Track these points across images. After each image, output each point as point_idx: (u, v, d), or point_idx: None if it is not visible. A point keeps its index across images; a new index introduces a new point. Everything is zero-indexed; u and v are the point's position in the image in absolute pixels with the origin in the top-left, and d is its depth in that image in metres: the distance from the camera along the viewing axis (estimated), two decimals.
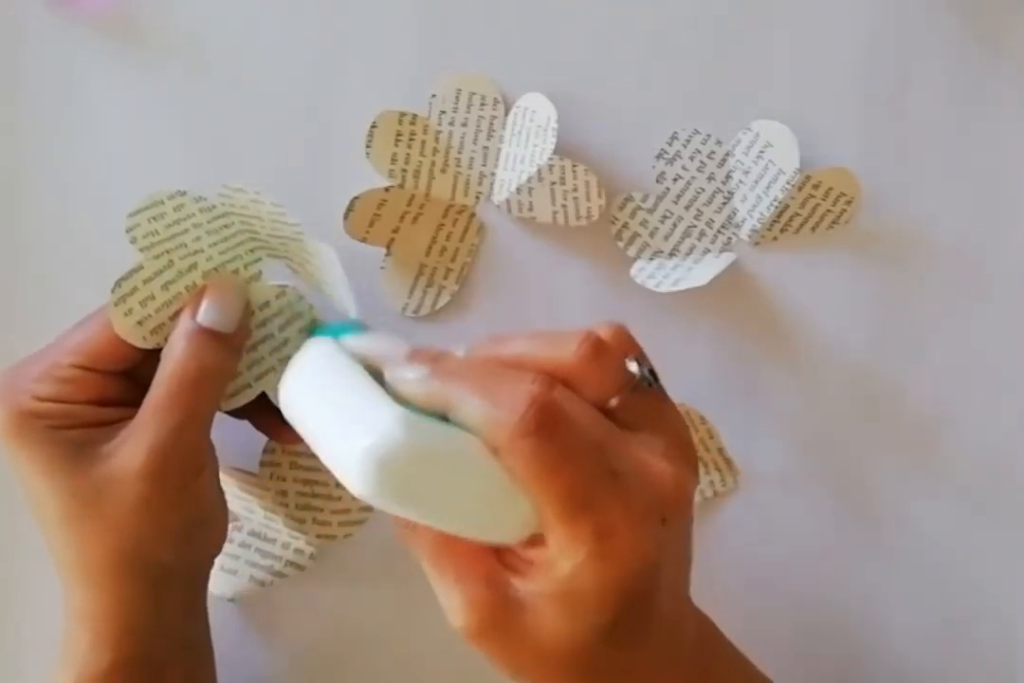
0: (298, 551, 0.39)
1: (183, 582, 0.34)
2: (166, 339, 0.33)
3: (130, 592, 0.32)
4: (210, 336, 0.33)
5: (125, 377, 0.34)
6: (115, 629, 0.32)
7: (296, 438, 0.36)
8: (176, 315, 0.33)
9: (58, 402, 0.32)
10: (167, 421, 0.32)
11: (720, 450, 0.39)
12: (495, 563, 0.29)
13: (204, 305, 0.33)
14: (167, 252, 0.33)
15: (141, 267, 0.32)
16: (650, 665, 0.29)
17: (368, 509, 0.40)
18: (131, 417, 0.33)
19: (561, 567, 0.27)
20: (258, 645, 0.40)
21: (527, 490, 0.27)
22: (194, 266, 0.33)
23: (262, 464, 0.39)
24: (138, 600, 0.33)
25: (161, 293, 0.33)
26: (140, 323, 0.33)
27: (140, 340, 0.33)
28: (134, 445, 0.32)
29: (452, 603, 0.28)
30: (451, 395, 0.27)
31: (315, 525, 0.39)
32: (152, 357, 0.33)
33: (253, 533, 0.39)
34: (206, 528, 0.34)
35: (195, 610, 0.35)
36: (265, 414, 0.36)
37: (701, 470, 0.40)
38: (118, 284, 0.32)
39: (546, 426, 0.26)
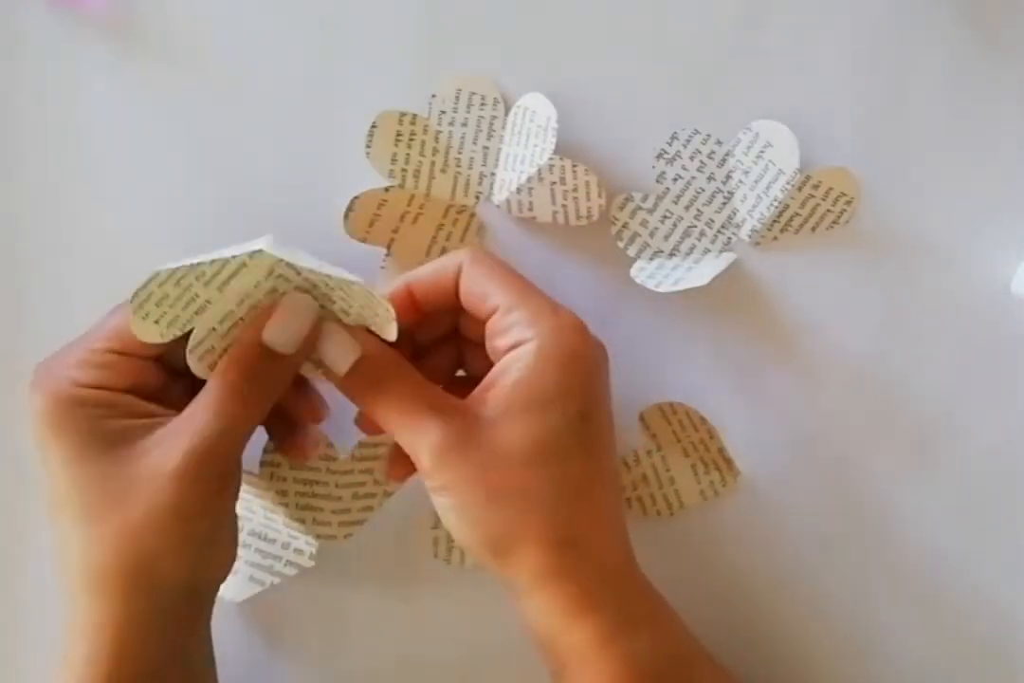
0: (298, 551, 0.39)
1: (189, 601, 0.33)
2: (181, 329, 0.33)
3: (135, 606, 0.32)
4: (270, 354, 0.33)
5: (160, 364, 0.34)
6: (114, 645, 0.32)
7: (299, 453, 0.37)
8: (189, 305, 0.33)
9: (99, 388, 0.32)
10: (208, 428, 0.32)
11: (720, 450, 0.39)
12: (460, 400, 0.33)
13: (271, 323, 0.33)
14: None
15: (157, 274, 0.32)
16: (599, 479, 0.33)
17: (368, 509, 0.40)
18: (170, 415, 0.33)
19: (527, 346, 0.32)
20: (258, 645, 0.40)
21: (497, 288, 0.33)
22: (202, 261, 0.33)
23: (262, 464, 0.39)
24: (142, 615, 0.32)
25: (174, 289, 0.32)
26: (156, 322, 0.32)
27: (158, 337, 0.33)
28: (171, 447, 0.32)
29: (426, 433, 0.31)
30: None
31: (315, 525, 0.39)
32: (184, 343, 0.33)
33: (253, 533, 0.39)
34: (221, 544, 0.34)
35: (198, 630, 0.35)
36: (275, 425, 0.36)
37: (701, 470, 0.40)
38: (135, 294, 0.32)
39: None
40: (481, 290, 0.33)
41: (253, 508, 0.39)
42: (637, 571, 0.34)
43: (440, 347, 0.37)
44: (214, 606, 0.35)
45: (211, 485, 0.32)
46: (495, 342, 0.33)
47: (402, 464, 0.34)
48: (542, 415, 0.31)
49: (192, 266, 0.32)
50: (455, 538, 0.33)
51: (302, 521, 0.39)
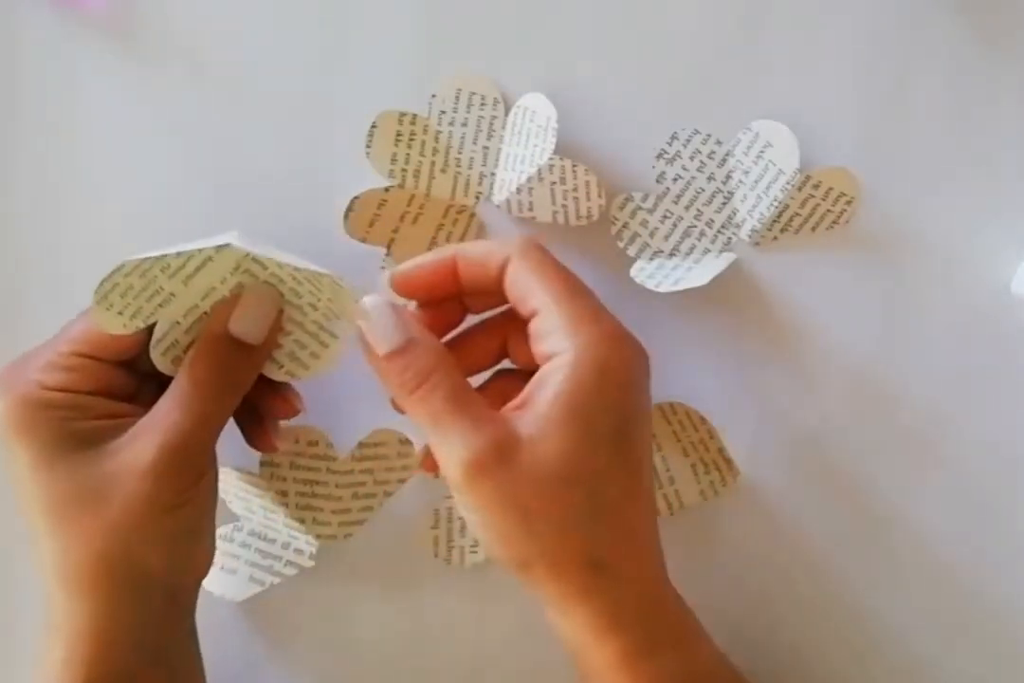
0: (298, 551, 0.39)
1: (166, 597, 0.33)
2: (145, 321, 0.33)
3: (110, 602, 0.32)
4: (237, 345, 0.33)
5: (128, 368, 0.34)
6: (92, 644, 0.32)
7: (268, 446, 0.36)
8: (154, 297, 0.33)
9: (65, 391, 0.32)
10: (181, 423, 0.32)
11: (720, 450, 0.39)
12: (496, 411, 0.31)
13: (237, 313, 0.33)
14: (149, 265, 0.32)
15: (122, 265, 0.32)
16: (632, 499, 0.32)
17: (368, 509, 0.40)
18: (139, 414, 0.33)
19: (564, 357, 0.31)
20: (258, 645, 0.40)
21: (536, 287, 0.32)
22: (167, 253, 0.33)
23: (262, 464, 0.39)
24: (117, 611, 0.32)
25: (139, 281, 0.32)
26: (120, 313, 0.32)
27: (121, 328, 0.32)
28: (144, 442, 0.31)
29: (459, 445, 0.30)
30: None
31: (315, 525, 0.39)
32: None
33: (253, 533, 0.39)
34: (197, 539, 0.34)
35: (178, 629, 0.34)
36: (244, 416, 0.36)
37: (701, 470, 0.40)
38: (99, 285, 0.31)
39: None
40: (525, 286, 0.32)
41: (253, 508, 0.39)
42: (668, 589, 0.33)
43: (487, 329, 0.36)
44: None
45: (186, 478, 0.32)
46: (536, 347, 0.32)
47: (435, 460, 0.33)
48: (577, 433, 0.30)
49: (158, 258, 0.32)
50: (481, 548, 0.32)
51: (302, 521, 0.39)
